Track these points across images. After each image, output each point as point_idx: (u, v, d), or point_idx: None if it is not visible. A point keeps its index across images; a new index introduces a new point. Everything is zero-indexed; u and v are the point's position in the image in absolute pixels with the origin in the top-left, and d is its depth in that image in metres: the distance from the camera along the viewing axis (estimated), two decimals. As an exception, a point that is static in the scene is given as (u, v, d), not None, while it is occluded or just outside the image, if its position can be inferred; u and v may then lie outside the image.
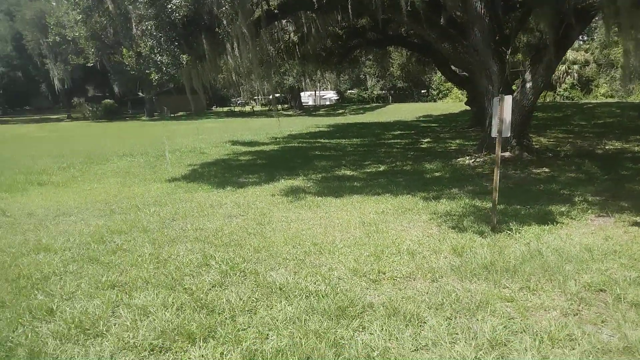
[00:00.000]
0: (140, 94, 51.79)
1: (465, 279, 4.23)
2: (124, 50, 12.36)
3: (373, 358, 3.06)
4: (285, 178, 10.14)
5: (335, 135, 20.69)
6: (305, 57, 18.50)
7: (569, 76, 39.09)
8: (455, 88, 41.52)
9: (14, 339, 3.44)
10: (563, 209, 6.53)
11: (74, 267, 4.93)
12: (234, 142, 18.99)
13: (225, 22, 11.04)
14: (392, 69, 37.03)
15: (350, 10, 11.49)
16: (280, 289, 4.14)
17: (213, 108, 53.50)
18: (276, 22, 14.58)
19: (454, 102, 41.70)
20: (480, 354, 3.06)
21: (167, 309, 3.82)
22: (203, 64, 12.26)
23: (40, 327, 3.63)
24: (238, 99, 54.53)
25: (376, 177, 9.98)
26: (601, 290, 3.90)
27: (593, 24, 23.55)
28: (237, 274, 4.56)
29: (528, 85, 10.94)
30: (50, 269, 4.87)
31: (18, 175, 12.18)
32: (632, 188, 7.81)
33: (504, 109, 5.59)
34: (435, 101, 48.67)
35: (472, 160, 11.22)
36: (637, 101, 29.92)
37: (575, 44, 35.08)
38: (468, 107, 22.94)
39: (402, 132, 21.37)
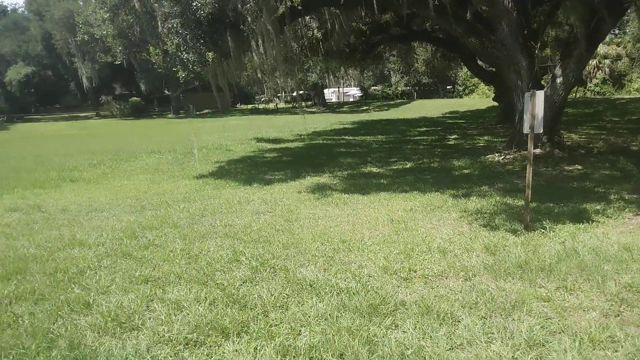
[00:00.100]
0: (166, 91, 52.59)
1: (499, 278, 4.16)
2: (151, 48, 12.55)
3: (407, 356, 3.03)
4: (311, 175, 10.15)
5: (359, 132, 20.60)
6: (329, 54, 18.49)
7: (600, 71, 38.08)
8: (482, 84, 40.92)
9: (54, 330, 3.53)
10: (598, 207, 6.35)
11: (108, 262, 5.03)
12: (259, 139, 19.10)
13: (249, 19, 11.11)
14: (416, 64, 36.66)
15: (375, 6, 11.42)
16: (311, 286, 4.14)
17: (237, 105, 53.94)
18: (300, 19, 14.58)
19: (481, 98, 41.08)
20: (518, 354, 2.99)
21: (200, 303, 3.86)
22: (228, 61, 12.36)
23: (78, 319, 3.71)
24: (262, 96, 54.85)
25: (403, 174, 9.90)
26: (643, 291, 3.78)
27: (625, 16, 22.92)
28: (267, 270, 4.58)
29: (558, 80, 10.69)
30: (85, 264, 4.98)
31: (51, 172, 12.51)
32: (670, 186, 7.56)
33: (536, 105, 5.46)
34: (461, 97, 48.03)
35: (502, 157, 11.03)
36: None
37: (607, 37, 34.11)
38: (495, 103, 22.58)
39: (428, 128, 21.15)
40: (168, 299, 3.98)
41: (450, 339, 3.21)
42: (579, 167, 9.54)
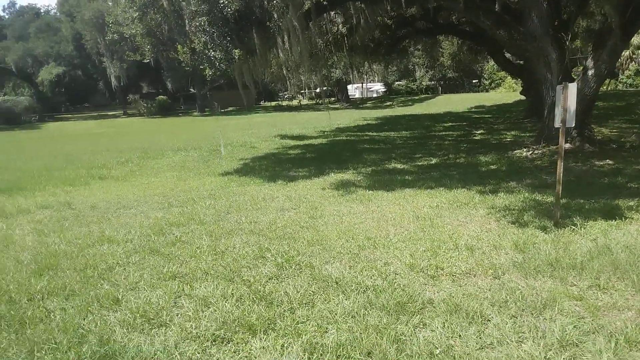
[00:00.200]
0: (192, 89, 53.24)
1: (529, 276, 4.06)
2: (179, 46, 12.77)
3: (436, 355, 2.99)
4: (335, 171, 10.12)
5: (383, 128, 20.45)
6: (353, 49, 18.38)
7: (633, 62, 36.78)
8: (509, 77, 40.06)
9: (84, 326, 3.60)
10: (631, 203, 6.15)
11: (136, 258, 5.10)
12: (283, 136, 19.15)
13: (275, 15, 11.14)
14: (442, 58, 36.11)
15: (401, -1, 11.31)
16: (337, 283, 4.12)
17: (261, 103, 54.23)
18: (325, 14, 14.55)
19: (507, 92, 40.23)
20: (550, 354, 2.92)
21: (227, 300, 3.88)
22: (254, 58, 12.44)
23: (108, 315, 3.78)
24: (285, 93, 54.97)
25: (428, 170, 9.78)
26: (681, 291, 3.64)
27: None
28: (293, 267, 4.58)
29: (590, 72, 10.38)
30: (114, 260, 5.07)
31: (80, 170, 12.81)
32: None
33: (568, 98, 5.31)
34: (487, 91, 47.16)
35: (530, 152, 10.79)
36: None
37: (640, 28, 32.96)
38: (523, 97, 22.10)
39: (454, 123, 20.84)
40: (195, 295, 4.02)
41: (480, 338, 3.15)
42: (610, 162, 9.26)
